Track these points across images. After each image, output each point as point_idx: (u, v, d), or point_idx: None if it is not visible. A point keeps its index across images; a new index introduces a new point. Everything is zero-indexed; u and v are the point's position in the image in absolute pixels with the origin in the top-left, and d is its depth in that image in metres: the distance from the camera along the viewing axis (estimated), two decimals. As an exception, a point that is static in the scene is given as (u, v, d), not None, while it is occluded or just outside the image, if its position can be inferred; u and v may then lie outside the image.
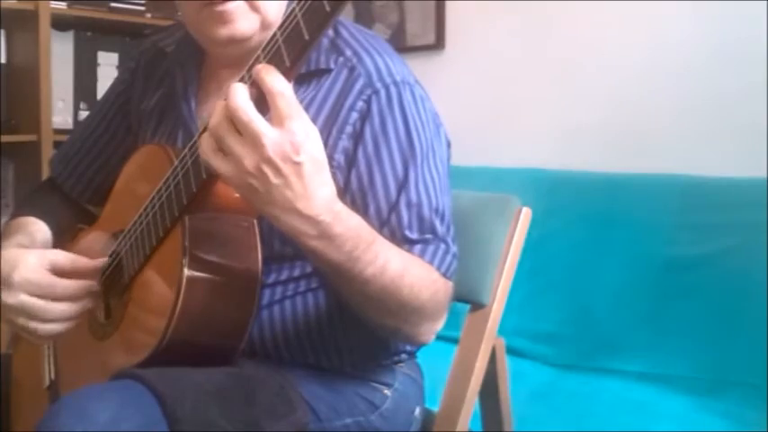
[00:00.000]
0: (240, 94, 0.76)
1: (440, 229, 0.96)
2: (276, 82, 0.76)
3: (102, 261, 1.02)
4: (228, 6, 0.95)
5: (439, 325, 0.97)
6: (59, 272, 0.99)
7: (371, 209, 0.95)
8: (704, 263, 1.78)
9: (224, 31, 0.96)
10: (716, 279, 1.76)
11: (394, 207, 0.94)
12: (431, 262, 0.95)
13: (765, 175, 1.75)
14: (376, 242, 0.87)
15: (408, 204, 0.95)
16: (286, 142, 0.75)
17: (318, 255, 0.83)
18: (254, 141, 0.75)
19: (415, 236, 0.94)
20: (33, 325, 0.96)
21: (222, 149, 0.78)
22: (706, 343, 1.75)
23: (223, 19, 0.95)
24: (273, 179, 0.76)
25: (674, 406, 1.65)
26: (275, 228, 0.96)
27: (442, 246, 0.96)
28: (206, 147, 0.79)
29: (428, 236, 0.95)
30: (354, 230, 0.84)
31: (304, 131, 0.77)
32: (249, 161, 0.76)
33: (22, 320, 0.97)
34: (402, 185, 0.95)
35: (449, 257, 0.96)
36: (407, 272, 0.90)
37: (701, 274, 1.78)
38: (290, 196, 0.77)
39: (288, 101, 0.76)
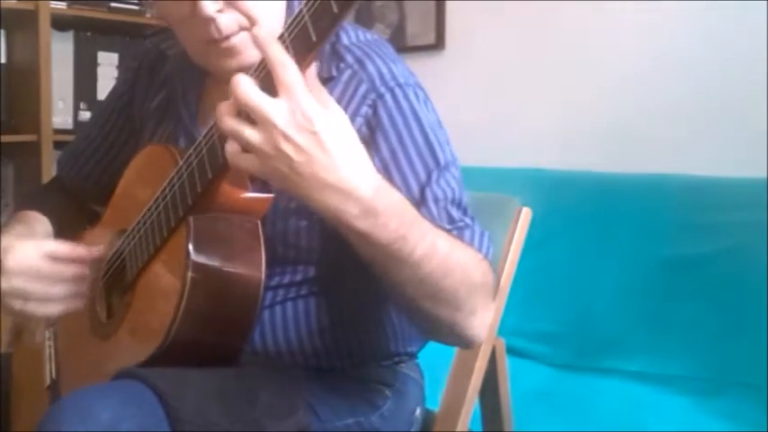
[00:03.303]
0: (244, 82, 0.75)
1: (467, 219, 0.94)
2: (278, 52, 0.74)
3: (100, 249, 1.01)
4: (233, 41, 0.93)
5: (489, 315, 0.91)
6: (57, 260, 0.98)
7: None
8: (704, 263, 1.78)
9: (233, 64, 0.94)
10: (716, 279, 1.76)
11: (420, 206, 0.91)
12: (471, 243, 0.91)
13: (765, 175, 1.75)
14: (420, 220, 0.83)
15: (435, 200, 0.92)
16: (297, 112, 0.73)
17: (366, 238, 0.77)
18: (265, 123, 0.73)
19: (447, 226, 0.91)
20: (31, 307, 0.96)
21: (244, 147, 0.75)
22: (706, 343, 1.75)
23: (230, 53, 0.94)
24: (296, 156, 0.73)
25: (673, 406, 1.65)
26: (278, 231, 0.97)
27: (477, 228, 0.93)
28: (231, 150, 0.77)
29: (460, 224, 0.92)
30: (399, 205, 0.80)
31: (314, 100, 0.74)
32: (268, 145, 0.73)
33: (18, 304, 0.96)
34: (425, 185, 0.92)
35: (485, 239, 0.93)
36: (456, 251, 0.85)
37: (700, 274, 1.78)
38: (318, 171, 0.73)
39: (292, 71, 0.73)
